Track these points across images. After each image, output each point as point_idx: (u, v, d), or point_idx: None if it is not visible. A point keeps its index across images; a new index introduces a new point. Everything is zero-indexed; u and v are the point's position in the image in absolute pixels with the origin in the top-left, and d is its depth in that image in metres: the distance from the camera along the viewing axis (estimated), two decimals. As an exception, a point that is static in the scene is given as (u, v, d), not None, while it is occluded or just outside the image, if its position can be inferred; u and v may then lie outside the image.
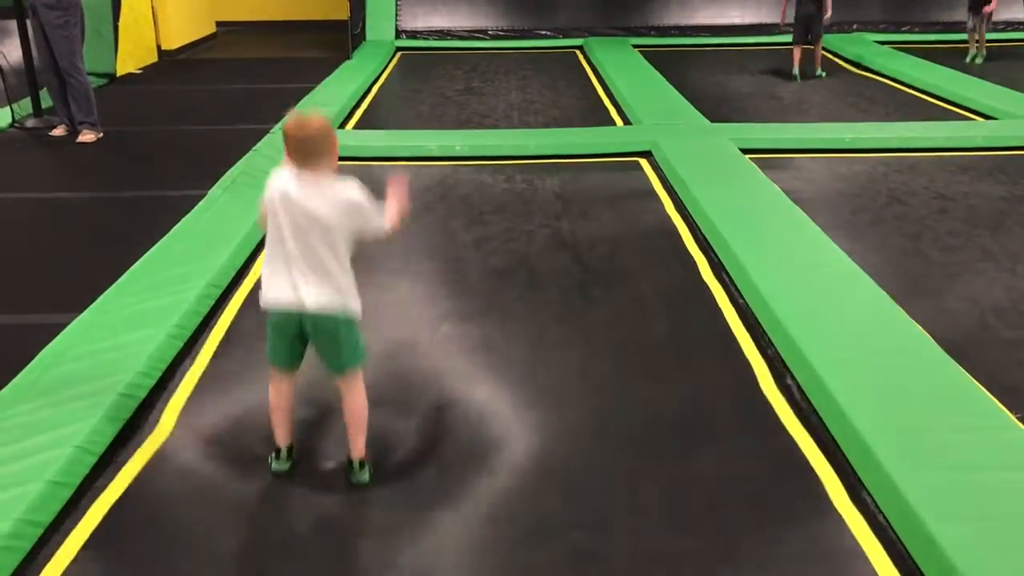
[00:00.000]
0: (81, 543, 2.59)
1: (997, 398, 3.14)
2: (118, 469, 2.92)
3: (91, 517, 2.71)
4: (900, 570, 2.47)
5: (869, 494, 2.76)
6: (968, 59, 10.32)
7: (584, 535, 2.63)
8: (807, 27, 9.42)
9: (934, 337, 3.55)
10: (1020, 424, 2.98)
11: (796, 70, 9.40)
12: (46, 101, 7.35)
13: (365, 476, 2.84)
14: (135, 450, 3.03)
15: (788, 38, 9.98)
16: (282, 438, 2.91)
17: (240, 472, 2.92)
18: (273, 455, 2.91)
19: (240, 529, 2.66)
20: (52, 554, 2.55)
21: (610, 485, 2.87)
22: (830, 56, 10.76)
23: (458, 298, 4.24)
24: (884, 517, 2.66)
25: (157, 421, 3.21)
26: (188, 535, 2.63)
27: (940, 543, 2.40)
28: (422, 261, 4.70)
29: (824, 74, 9.54)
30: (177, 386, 3.44)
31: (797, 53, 9.41)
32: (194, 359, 3.65)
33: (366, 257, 4.70)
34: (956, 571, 2.32)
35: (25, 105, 7.41)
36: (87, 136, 6.93)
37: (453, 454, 3.04)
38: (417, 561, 2.51)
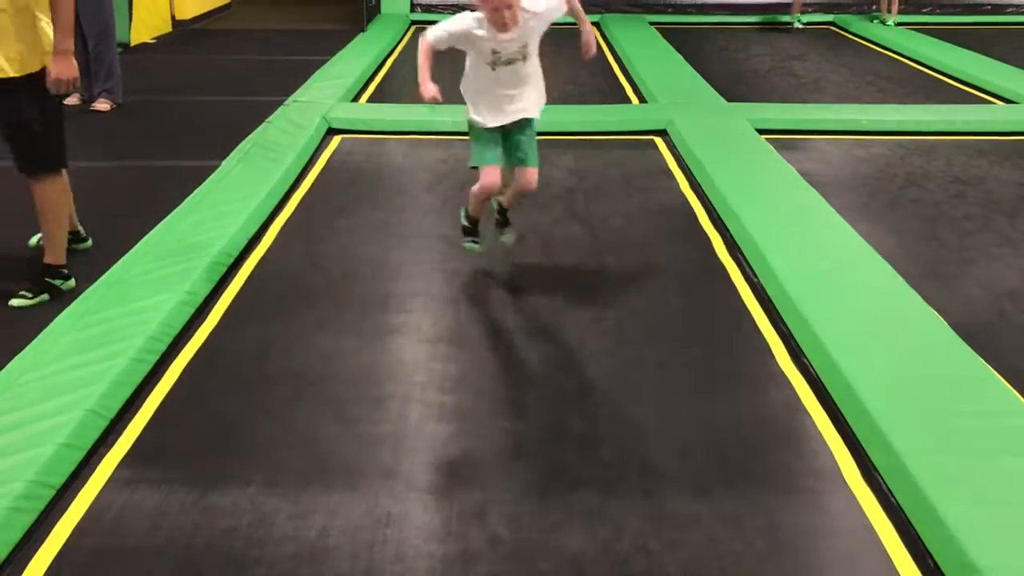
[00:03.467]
0: (89, 503, 2.62)
1: (1011, 384, 3.12)
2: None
3: (99, 477, 2.74)
4: (910, 551, 2.47)
5: (880, 475, 2.76)
6: (890, 22, 10.65)
7: (595, 492, 2.68)
8: None
9: (948, 321, 3.53)
10: (1034, 409, 2.96)
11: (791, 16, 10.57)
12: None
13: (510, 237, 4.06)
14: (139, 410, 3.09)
15: (806, 17, 10.05)
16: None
17: (243, 435, 2.94)
18: (471, 240, 4.00)
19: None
20: (62, 515, 2.57)
21: (623, 444, 2.92)
22: (847, 35, 10.67)
23: (472, 260, 4.30)
24: (895, 498, 2.66)
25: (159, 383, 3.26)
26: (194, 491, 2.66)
27: (950, 526, 2.40)
28: (436, 225, 4.77)
29: (800, 25, 9.67)
30: (183, 349, 3.49)
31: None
32: (204, 324, 3.68)
33: (385, 222, 4.75)
34: (965, 554, 2.31)
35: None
36: (102, 105, 6.91)
37: (465, 405, 3.14)
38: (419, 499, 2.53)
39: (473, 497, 2.66)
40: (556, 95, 7.72)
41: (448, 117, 6.54)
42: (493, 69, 3.57)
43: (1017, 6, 12.07)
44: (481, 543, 2.48)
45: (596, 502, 2.64)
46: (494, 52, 3.52)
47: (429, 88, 3.50)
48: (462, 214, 4.07)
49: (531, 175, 3.78)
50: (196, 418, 3.06)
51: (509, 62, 3.56)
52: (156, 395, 3.18)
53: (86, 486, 2.70)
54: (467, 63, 3.70)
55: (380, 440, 2.93)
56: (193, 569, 2.38)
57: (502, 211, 4.08)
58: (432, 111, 3.80)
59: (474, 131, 3.73)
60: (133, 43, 9.63)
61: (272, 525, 2.54)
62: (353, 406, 3.13)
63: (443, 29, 3.56)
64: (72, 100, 7.02)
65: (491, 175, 3.72)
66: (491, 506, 2.62)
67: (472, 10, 3.56)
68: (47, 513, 2.57)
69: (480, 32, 3.49)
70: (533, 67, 3.70)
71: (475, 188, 3.83)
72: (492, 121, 3.70)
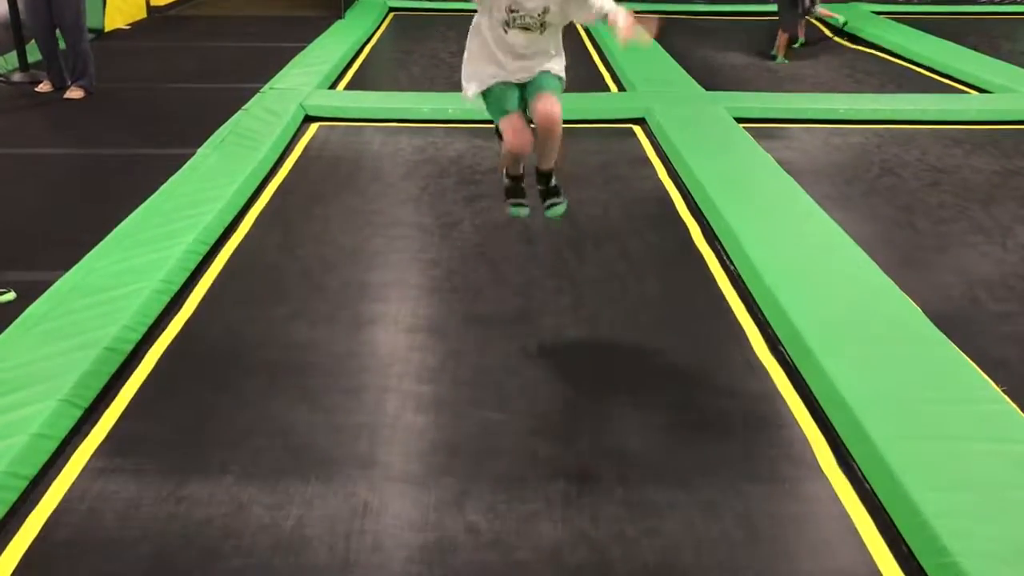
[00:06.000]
0: (63, 494, 2.60)
1: (984, 370, 3.15)
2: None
3: (73, 467, 2.72)
4: (884, 537, 2.50)
5: (855, 462, 2.78)
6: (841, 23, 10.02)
7: (572, 481, 2.68)
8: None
9: (923, 309, 3.56)
10: (1006, 397, 2.99)
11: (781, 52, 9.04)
12: (32, 56, 7.24)
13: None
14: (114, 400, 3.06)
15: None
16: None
17: (219, 425, 2.92)
18: (514, 203, 3.48)
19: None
20: (35, 505, 2.55)
21: (600, 432, 2.93)
22: (824, 28, 10.69)
23: (451, 248, 4.33)
24: (870, 485, 2.68)
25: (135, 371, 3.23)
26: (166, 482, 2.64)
27: (923, 512, 2.43)
28: (414, 213, 4.77)
29: (784, 61, 8.91)
30: (158, 339, 3.45)
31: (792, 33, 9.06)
32: (179, 314, 3.65)
33: (362, 211, 4.73)
34: (939, 539, 2.34)
35: (11, 59, 7.30)
36: (75, 93, 6.82)
37: (442, 395, 3.14)
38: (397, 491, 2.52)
39: (450, 487, 2.66)
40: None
41: (426, 105, 6.55)
42: (506, 32, 3.07)
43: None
44: (459, 532, 2.48)
45: (573, 491, 2.65)
46: (511, 10, 3.01)
47: None
48: (503, 176, 3.55)
49: (548, 102, 3.18)
50: (171, 408, 3.04)
51: (525, 28, 3.06)
52: (131, 385, 3.15)
53: (60, 476, 2.68)
54: (473, 35, 3.20)
55: (357, 430, 2.92)
56: (168, 560, 2.37)
57: (541, 177, 3.49)
58: None
59: (487, 95, 3.22)
60: (107, 29, 9.52)
61: (249, 515, 2.53)
62: (330, 396, 3.12)
63: None
64: (44, 87, 6.95)
65: (515, 127, 3.19)
66: (468, 495, 2.62)
67: None
68: (20, 504, 2.55)
69: None
70: (553, 44, 3.22)
71: (503, 150, 3.35)
72: (497, 76, 3.18)
